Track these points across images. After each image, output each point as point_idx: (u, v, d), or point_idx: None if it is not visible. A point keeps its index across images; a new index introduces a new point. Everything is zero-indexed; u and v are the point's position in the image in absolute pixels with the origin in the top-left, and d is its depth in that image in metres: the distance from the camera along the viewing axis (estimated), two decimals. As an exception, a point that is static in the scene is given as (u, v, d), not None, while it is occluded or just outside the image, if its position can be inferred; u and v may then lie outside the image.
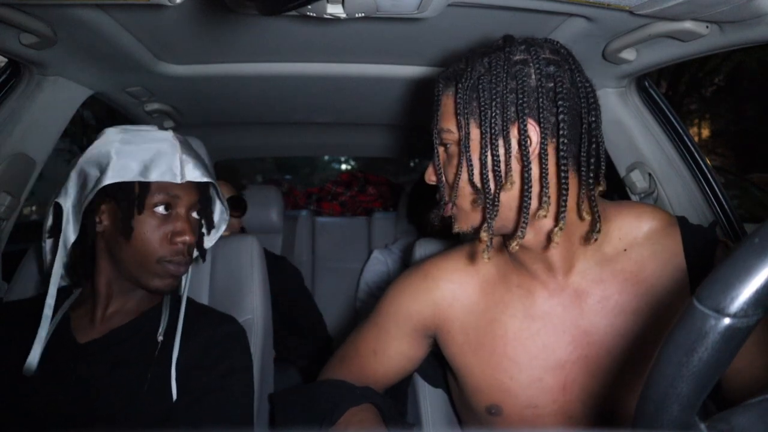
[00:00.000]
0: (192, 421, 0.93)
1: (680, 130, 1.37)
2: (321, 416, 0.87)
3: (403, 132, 2.29)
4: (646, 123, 1.38)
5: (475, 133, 0.76)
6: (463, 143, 0.76)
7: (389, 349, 0.96)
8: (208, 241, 1.13)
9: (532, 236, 0.79)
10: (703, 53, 1.03)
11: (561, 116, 0.71)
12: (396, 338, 0.96)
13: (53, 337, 0.95)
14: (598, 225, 0.72)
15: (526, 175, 0.73)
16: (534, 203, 0.74)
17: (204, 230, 1.11)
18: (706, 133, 12.27)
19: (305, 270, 2.40)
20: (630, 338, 0.77)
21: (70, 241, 0.96)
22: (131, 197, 0.94)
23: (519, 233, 0.73)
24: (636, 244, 0.79)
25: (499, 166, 0.74)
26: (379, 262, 2.33)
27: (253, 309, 1.27)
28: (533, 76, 0.73)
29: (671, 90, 9.72)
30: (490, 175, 0.75)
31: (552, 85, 0.73)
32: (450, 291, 0.91)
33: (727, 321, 0.35)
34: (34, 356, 0.91)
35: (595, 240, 0.74)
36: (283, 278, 2.10)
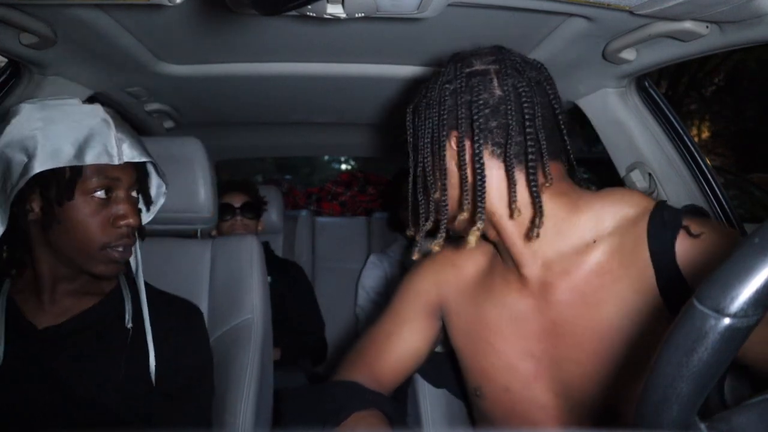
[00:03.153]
0: (173, 406, 0.95)
1: (680, 130, 1.37)
2: (326, 416, 0.87)
3: (403, 132, 2.28)
4: (646, 123, 1.38)
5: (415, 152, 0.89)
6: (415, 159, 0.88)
7: (403, 330, 0.99)
8: (147, 217, 1.07)
9: (493, 233, 0.85)
10: (703, 53, 1.03)
11: (476, 123, 0.78)
12: (408, 319, 0.99)
13: (7, 323, 0.90)
14: (537, 221, 0.77)
15: (463, 179, 0.79)
16: (465, 205, 0.79)
17: (142, 206, 1.05)
18: (706, 133, 12.27)
19: (305, 270, 2.40)
20: (594, 330, 0.77)
21: (0, 232, 0.88)
22: (62, 183, 0.87)
23: (468, 237, 0.77)
24: (606, 234, 0.78)
25: (432, 174, 0.83)
26: (377, 267, 2.33)
27: (252, 308, 1.27)
28: (454, 93, 0.81)
29: (671, 90, 9.72)
30: (429, 182, 0.84)
31: (469, 97, 0.79)
32: (453, 275, 0.97)
33: (727, 321, 0.35)
34: None
35: (537, 235, 0.77)
36: (292, 282, 2.13)
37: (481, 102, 0.78)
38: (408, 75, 1.43)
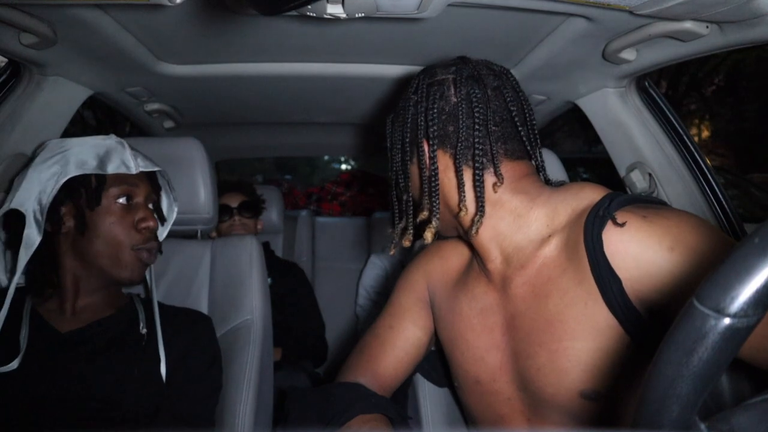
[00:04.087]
0: (180, 402, 1.02)
1: (680, 130, 1.37)
2: (331, 417, 0.88)
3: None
4: (646, 123, 1.38)
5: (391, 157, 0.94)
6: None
7: (404, 321, 1.02)
8: (161, 234, 1.20)
9: (459, 230, 0.91)
10: (703, 53, 1.03)
11: (431, 130, 0.85)
12: (407, 309, 1.03)
13: (31, 329, 0.98)
14: (477, 218, 0.83)
15: (423, 180, 0.87)
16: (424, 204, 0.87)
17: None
18: (706, 133, 12.27)
19: (305, 270, 2.41)
20: (542, 321, 0.80)
21: (35, 244, 0.97)
22: (89, 191, 1.01)
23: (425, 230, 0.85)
24: (560, 228, 0.81)
25: (401, 177, 0.91)
26: (377, 267, 2.33)
27: (252, 309, 1.27)
28: (416, 104, 0.88)
29: (671, 90, 9.72)
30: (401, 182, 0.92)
31: (426, 104, 0.86)
32: (440, 266, 1.02)
33: (727, 321, 0.35)
34: (21, 348, 0.94)
35: (476, 232, 0.84)
36: (292, 283, 2.13)
37: (436, 110, 0.85)
38: (408, 75, 1.43)
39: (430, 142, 0.85)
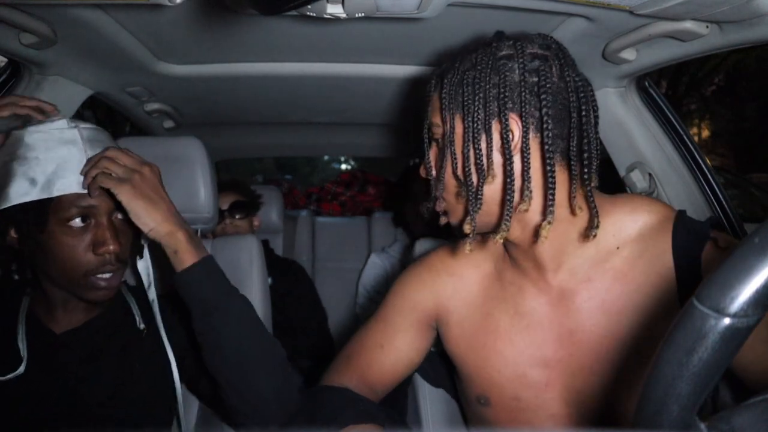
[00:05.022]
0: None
1: (680, 130, 1.37)
2: (320, 424, 0.84)
3: (403, 132, 2.29)
4: (646, 123, 1.38)
5: (459, 128, 0.77)
6: (448, 137, 0.77)
7: (396, 341, 0.96)
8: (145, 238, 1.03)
9: (519, 231, 0.80)
10: (703, 53, 1.03)
11: (544, 110, 0.72)
12: (401, 330, 0.96)
13: (28, 331, 0.94)
14: (596, 221, 0.72)
15: (508, 168, 0.73)
16: (516, 197, 0.74)
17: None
18: (706, 133, 12.27)
19: (305, 270, 2.40)
20: (613, 338, 0.76)
21: None
22: (31, 215, 0.85)
23: (503, 226, 0.73)
24: (629, 241, 0.78)
25: (482, 160, 0.74)
26: (377, 266, 2.33)
27: (253, 309, 1.27)
28: (517, 71, 0.73)
29: (671, 90, 9.72)
30: (473, 169, 0.75)
31: (536, 79, 0.72)
32: (451, 284, 0.93)
33: (727, 321, 0.35)
34: (22, 352, 0.91)
35: (594, 236, 0.73)
36: (293, 281, 2.12)
37: (549, 87, 0.72)
38: (408, 75, 1.43)
39: (524, 127, 0.72)
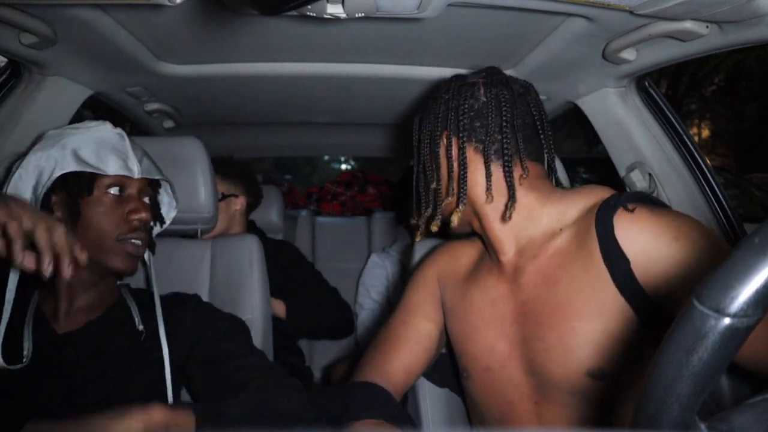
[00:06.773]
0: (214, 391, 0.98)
1: (680, 130, 1.37)
2: (338, 415, 0.89)
3: (404, 132, 2.29)
4: (646, 123, 1.38)
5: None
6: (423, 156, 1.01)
7: (416, 316, 1.06)
8: (156, 229, 1.19)
9: (477, 224, 0.96)
10: (703, 53, 1.03)
11: (461, 123, 0.92)
12: (419, 304, 1.07)
13: (33, 328, 0.97)
14: (510, 203, 0.89)
15: (450, 173, 0.95)
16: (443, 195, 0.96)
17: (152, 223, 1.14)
18: (706, 133, 12.27)
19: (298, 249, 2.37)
20: (553, 306, 0.86)
21: None
22: (83, 181, 0.99)
23: (435, 218, 0.95)
24: (570, 223, 0.89)
25: (430, 168, 0.98)
26: (378, 266, 2.33)
27: (252, 308, 1.27)
28: (446, 102, 0.96)
29: (671, 90, 9.72)
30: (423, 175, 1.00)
31: (457, 101, 0.94)
32: (450, 265, 1.07)
33: (727, 321, 0.35)
34: (26, 349, 0.94)
35: (510, 217, 0.89)
36: (286, 264, 2.07)
37: (466, 106, 0.93)
38: (408, 75, 1.43)
39: (460, 136, 0.93)
